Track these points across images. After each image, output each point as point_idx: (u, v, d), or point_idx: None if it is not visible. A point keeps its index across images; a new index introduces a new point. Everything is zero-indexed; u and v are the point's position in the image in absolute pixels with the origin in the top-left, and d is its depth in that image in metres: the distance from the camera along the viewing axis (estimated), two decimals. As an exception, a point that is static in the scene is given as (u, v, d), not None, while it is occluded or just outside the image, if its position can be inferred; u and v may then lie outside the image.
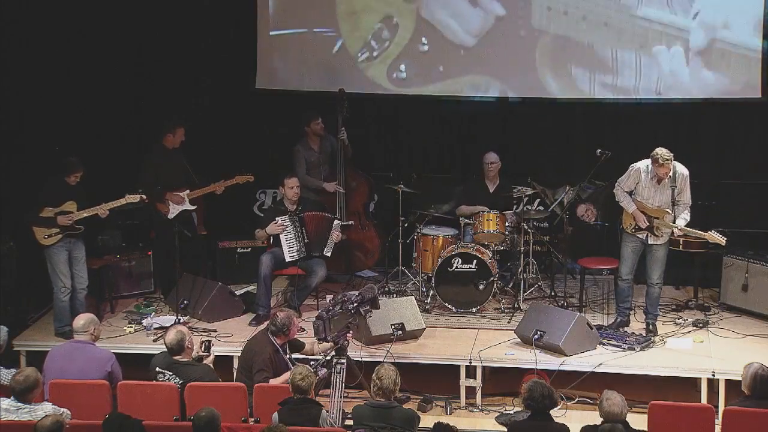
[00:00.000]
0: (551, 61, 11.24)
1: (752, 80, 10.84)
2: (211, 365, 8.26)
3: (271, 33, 11.75)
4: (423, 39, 11.43)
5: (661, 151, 9.23)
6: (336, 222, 10.38)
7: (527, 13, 11.18)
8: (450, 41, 11.39)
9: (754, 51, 10.80)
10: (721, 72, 10.96)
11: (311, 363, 8.16)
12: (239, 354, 9.16)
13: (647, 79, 11.05)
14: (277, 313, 8.53)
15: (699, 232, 9.30)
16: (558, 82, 11.27)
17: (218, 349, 8.67)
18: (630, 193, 9.53)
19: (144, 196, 9.73)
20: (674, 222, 9.35)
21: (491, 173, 10.79)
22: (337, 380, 8.12)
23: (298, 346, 8.73)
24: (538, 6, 11.11)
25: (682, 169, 9.41)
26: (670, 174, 9.33)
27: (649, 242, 9.53)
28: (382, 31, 11.48)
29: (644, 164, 9.43)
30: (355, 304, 8.55)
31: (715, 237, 9.21)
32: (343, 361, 8.22)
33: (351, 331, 8.54)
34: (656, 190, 9.43)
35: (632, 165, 9.51)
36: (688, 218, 9.40)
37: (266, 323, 8.75)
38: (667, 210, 9.37)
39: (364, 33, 11.54)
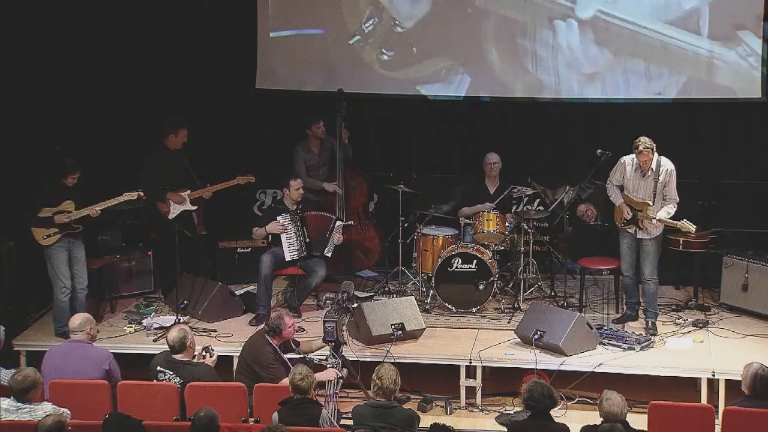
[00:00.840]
0: (496, 39, 11.35)
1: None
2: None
3: (271, 33, 11.75)
4: (397, 20, 11.54)
5: (643, 139, 9.38)
6: (338, 223, 10.37)
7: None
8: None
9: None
10: (607, 48, 11.10)
11: (329, 364, 8.21)
12: (239, 354, 9.18)
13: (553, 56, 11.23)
14: (271, 314, 8.55)
15: (673, 221, 9.35)
16: (502, 58, 11.36)
17: (218, 349, 8.66)
18: (621, 188, 9.61)
19: (142, 194, 9.72)
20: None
21: (493, 173, 10.79)
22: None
23: (294, 344, 8.74)
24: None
25: (667, 163, 9.49)
26: (653, 166, 9.39)
27: (638, 236, 9.60)
28: (373, 14, 11.53)
29: (630, 157, 9.57)
30: (344, 303, 8.60)
31: (686, 225, 9.26)
32: (338, 360, 8.23)
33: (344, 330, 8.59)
34: (640, 182, 9.54)
35: (621, 158, 9.62)
36: (672, 212, 9.42)
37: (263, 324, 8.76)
38: (649, 202, 9.42)
39: (359, 17, 11.58)
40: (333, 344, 8.44)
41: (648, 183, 9.50)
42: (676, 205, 9.48)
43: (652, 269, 9.67)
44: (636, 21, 10.99)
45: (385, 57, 11.60)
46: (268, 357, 8.26)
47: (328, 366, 8.25)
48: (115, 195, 9.64)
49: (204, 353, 8.27)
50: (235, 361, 9.19)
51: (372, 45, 11.60)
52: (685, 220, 9.30)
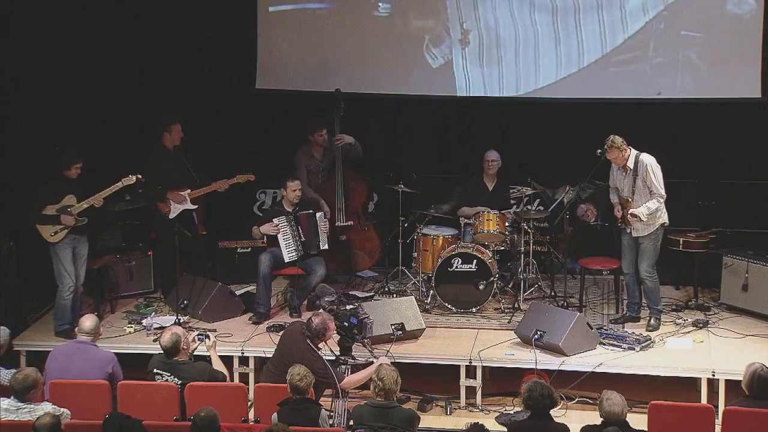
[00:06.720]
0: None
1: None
2: (212, 357, 8.26)
3: (271, 33, 11.76)
4: None
5: (611, 137, 9.45)
6: (318, 214, 10.33)
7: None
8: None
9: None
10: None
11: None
12: (239, 354, 9.20)
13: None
14: (312, 318, 8.27)
15: (638, 211, 9.45)
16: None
17: (219, 349, 8.64)
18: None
19: (140, 176, 9.69)
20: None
21: (491, 171, 10.80)
22: None
23: None
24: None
25: (644, 158, 9.53)
26: (629, 164, 9.48)
27: (633, 235, 9.65)
28: None
29: None
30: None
31: (636, 212, 9.41)
32: (350, 360, 8.23)
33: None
34: (624, 180, 9.63)
35: None
36: (653, 207, 9.45)
37: (297, 322, 8.71)
38: (628, 198, 9.51)
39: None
40: (367, 340, 8.44)
41: (629, 179, 9.56)
42: (660, 199, 9.49)
43: (647, 266, 9.67)
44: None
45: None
46: (319, 370, 7.99)
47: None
48: (117, 198, 9.64)
49: (197, 341, 8.24)
50: (235, 362, 9.22)
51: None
52: (640, 208, 9.41)
